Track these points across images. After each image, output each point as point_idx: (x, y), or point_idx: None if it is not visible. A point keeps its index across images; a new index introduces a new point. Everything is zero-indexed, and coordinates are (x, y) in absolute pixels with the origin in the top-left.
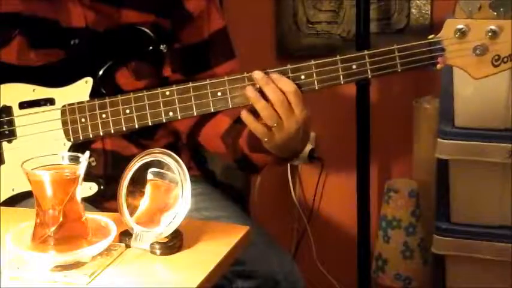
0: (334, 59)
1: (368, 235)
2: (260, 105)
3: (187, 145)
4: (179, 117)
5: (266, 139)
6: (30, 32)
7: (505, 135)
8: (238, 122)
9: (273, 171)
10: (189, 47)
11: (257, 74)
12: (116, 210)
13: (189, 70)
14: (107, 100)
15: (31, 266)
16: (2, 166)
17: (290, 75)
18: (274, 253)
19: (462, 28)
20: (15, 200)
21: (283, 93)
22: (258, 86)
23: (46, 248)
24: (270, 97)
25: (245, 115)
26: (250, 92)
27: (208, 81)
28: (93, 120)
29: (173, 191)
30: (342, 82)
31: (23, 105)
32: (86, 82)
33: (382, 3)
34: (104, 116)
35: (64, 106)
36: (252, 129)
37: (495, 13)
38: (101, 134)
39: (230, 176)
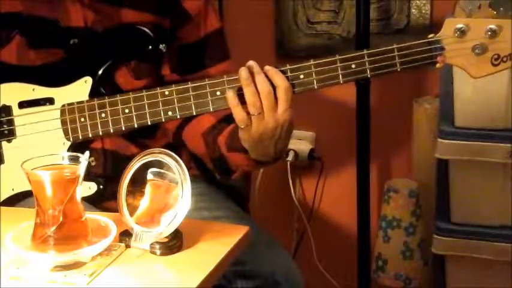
0: (333, 58)
1: (368, 235)
2: (250, 89)
3: (174, 144)
4: (178, 117)
5: (243, 126)
6: (29, 32)
7: (505, 135)
8: (222, 121)
9: (273, 171)
10: (185, 46)
11: (252, 62)
12: (116, 210)
13: (183, 69)
14: (106, 100)
15: (31, 266)
16: (2, 166)
17: (289, 74)
18: (274, 253)
19: (462, 27)
20: (15, 200)
21: (275, 86)
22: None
23: (46, 248)
24: (258, 86)
25: (231, 96)
26: (244, 73)
27: (207, 81)
28: (93, 119)
29: (173, 191)
30: (341, 81)
31: (23, 104)
32: (86, 82)
33: (382, 3)
34: (103, 115)
35: (63, 106)
36: (233, 112)
37: (495, 12)
38: (100, 133)
39: None
